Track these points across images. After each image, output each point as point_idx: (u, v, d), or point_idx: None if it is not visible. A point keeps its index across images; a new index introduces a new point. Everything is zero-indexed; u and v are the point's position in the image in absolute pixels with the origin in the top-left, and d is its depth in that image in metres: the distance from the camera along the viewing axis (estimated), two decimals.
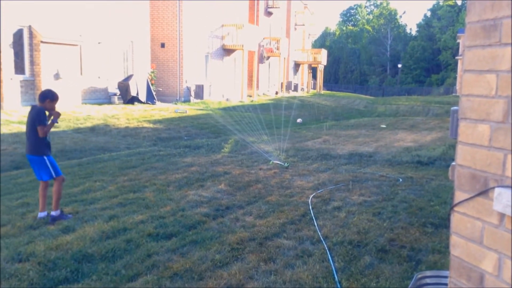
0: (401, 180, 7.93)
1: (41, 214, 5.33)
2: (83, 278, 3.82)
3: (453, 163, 1.92)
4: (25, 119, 13.57)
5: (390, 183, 7.67)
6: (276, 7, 36.21)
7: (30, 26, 15.74)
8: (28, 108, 14.79)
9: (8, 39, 15.10)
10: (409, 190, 7.22)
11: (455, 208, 1.85)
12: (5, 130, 11.85)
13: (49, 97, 5.29)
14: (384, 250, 4.67)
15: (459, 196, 1.83)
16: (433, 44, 69.08)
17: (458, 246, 1.84)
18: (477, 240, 1.74)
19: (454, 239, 1.86)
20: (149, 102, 20.46)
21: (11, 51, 15.29)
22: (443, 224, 5.48)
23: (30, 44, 15.87)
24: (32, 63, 15.98)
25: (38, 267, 3.94)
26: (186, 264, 4.18)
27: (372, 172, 8.63)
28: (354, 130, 16.28)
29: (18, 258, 4.13)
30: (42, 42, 15.82)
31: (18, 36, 15.58)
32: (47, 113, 5.30)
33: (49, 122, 5.28)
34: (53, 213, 5.30)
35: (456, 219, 1.85)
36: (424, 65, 69.31)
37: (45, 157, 5.23)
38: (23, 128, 12.34)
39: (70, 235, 4.77)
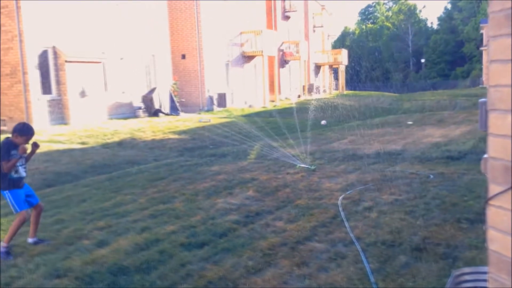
0: (432, 176, 7.78)
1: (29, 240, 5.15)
2: None
3: (485, 156, 1.88)
4: (55, 138, 13.92)
5: (421, 180, 7.54)
6: (293, 11, 36.21)
7: (54, 47, 16.17)
8: (57, 127, 15.07)
9: (33, 61, 15.54)
10: (441, 186, 7.08)
11: (490, 202, 1.80)
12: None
13: (17, 131, 4.96)
14: (419, 249, 4.58)
15: (493, 189, 1.78)
16: (456, 36, 67.79)
17: (495, 241, 1.79)
18: None
19: (491, 234, 1.81)
20: (173, 114, 20.69)
21: (37, 72, 15.73)
22: (479, 219, 5.34)
23: (55, 64, 16.29)
24: (58, 82, 16.39)
25: (75, 282, 4.02)
26: (219, 272, 4.19)
27: (402, 170, 8.50)
28: (380, 128, 16.09)
29: (56, 274, 4.22)
30: (66, 61, 16.22)
31: (43, 57, 16.02)
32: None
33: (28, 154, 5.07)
34: (29, 239, 5.13)
35: (492, 213, 1.80)
36: (448, 58, 68.05)
37: (7, 192, 4.91)
38: (53, 146, 12.65)
39: (105, 248, 4.85)
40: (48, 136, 14.16)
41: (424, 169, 8.47)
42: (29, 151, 5.13)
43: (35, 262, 4.54)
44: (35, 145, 5.18)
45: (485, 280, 3.14)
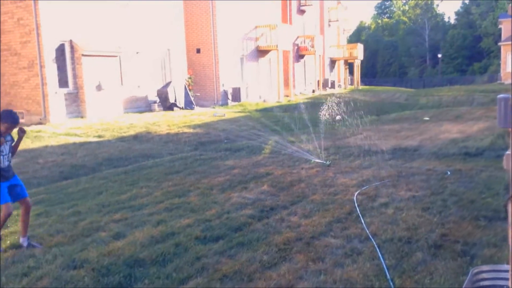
0: (449, 173, 7.68)
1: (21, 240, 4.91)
2: (136, 282, 3.90)
3: (507, 152, 1.84)
4: (71, 131, 14.08)
5: (438, 177, 7.44)
6: (308, 5, 35.97)
7: (71, 41, 16.30)
8: (74, 120, 15.21)
9: (51, 54, 15.69)
10: (458, 183, 6.99)
11: None
12: (53, 142, 12.30)
13: None
14: (436, 246, 4.53)
15: None
16: (474, 31, 66.72)
17: None
18: None
19: None
20: (188, 108, 20.75)
21: (54, 66, 15.88)
22: (497, 216, 5.26)
23: (72, 58, 16.43)
24: (74, 76, 16.54)
25: (92, 273, 4.06)
26: (234, 266, 4.20)
27: (418, 166, 8.41)
28: (396, 124, 15.93)
29: (73, 265, 4.27)
30: (83, 55, 16.35)
31: (60, 51, 16.16)
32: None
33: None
34: (20, 239, 4.90)
35: None
36: (466, 54, 67.01)
37: None
38: (70, 139, 12.79)
39: (121, 241, 4.88)
40: (65, 129, 14.31)
41: (441, 166, 8.36)
42: (16, 138, 4.92)
43: (52, 252, 4.60)
44: (22, 131, 4.87)
45: (503, 279, 3.09)
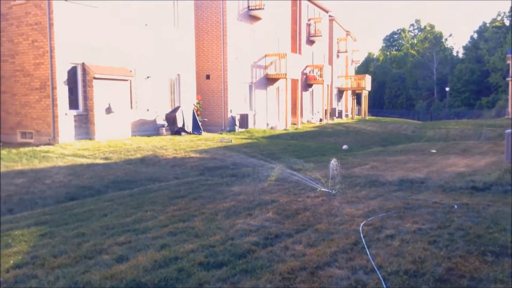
0: (456, 206, 7.62)
1: None
2: None
3: None
4: (79, 152, 14.17)
5: (445, 210, 7.38)
6: (318, 35, 36.50)
7: (83, 64, 16.58)
8: (82, 142, 15.32)
9: (63, 76, 15.95)
10: (465, 217, 6.92)
11: None
12: (61, 163, 12.38)
13: None
14: (442, 280, 4.47)
15: None
16: (482, 66, 67.14)
17: None
18: None
19: None
20: (195, 133, 20.87)
21: (66, 88, 16.12)
22: (505, 252, 5.19)
23: (83, 80, 16.68)
24: (85, 98, 16.76)
25: None
26: None
27: (425, 198, 8.35)
28: (402, 155, 15.90)
29: (75, 287, 4.24)
30: (94, 78, 16.60)
31: (72, 73, 16.44)
32: None
33: None
34: None
35: None
36: (473, 88, 67.27)
37: None
38: (77, 160, 12.86)
39: (124, 264, 4.85)
40: (73, 150, 14.41)
41: (448, 199, 8.30)
42: None
43: (55, 274, 4.58)
44: None
45: None
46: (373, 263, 4.91)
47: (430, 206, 7.71)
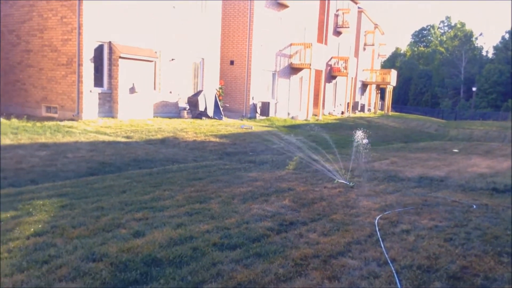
0: (475, 206, 7.52)
1: None
2: (152, 281, 3.94)
3: None
4: (102, 130, 14.39)
5: (463, 209, 7.29)
6: (345, 27, 36.07)
7: (110, 42, 16.74)
8: (105, 119, 15.54)
9: (89, 54, 16.14)
10: (483, 217, 6.83)
11: None
12: (83, 138, 12.59)
13: None
14: (455, 277, 4.44)
15: None
16: (511, 67, 65.48)
17: None
18: None
19: None
20: (216, 117, 20.95)
21: (92, 65, 16.31)
22: None
23: (109, 59, 16.85)
24: (110, 76, 16.94)
25: (110, 267, 4.13)
26: (250, 275, 4.20)
27: (444, 196, 8.26)
28: (424, 153, 15.71)
29: (92, 257, 4.35)
30: (120, 57, 16.75)
31: (98, 51, 16.60)
32: None
33: None
34: None
35: None
36: (501, 89, 65.73)
37: None
38: (99, 137, 13.06)
39: (140, 239, 4.95)
40: (96, 127, 14.64)
41: (467, 199, 8.20)
42: None
43: (73, 243, 4.70)
44: None
45: None
46: (386, 256, 4.91)
47: (448, 204, 7.63)
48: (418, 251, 5.13)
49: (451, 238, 5.66)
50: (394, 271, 4.49)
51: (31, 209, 5.99)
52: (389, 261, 4.76)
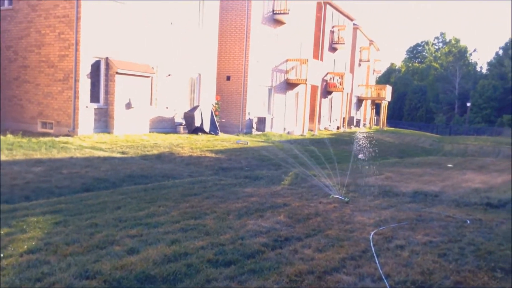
0: (469, 221, 7.55)
1: None
2: None
3: None
4: (97, 145, 14.39)
5: (457, 225, 7.32)
6: (341, 43, 36.42)
7: (107, 58, 16.84)
8: (101, 135, 15.52)
9: (86, 70, 16.22)
10: (477, 232, 6.86)
11: None
12: (79, 154, 12.58)
13: None
14: None
15: None
16: (505, 83, 66.12)
17: None
18: None
19: None
20: (212, 133, 21.00)
21: (88, 81, 16.38)
22: None
23: (106, 75, 16.93)
24: (106, 92, 17.00)
25: (103, 285, 4.11)
26: None
27: (438, 212, 8.29)
28: (418, 168, 15.76)
29: (86, 275, 4.33)
30: (117, 73, 16.84)
31: (95, 67, 16.70)
32: None
33: None
34: None
35: None
36: (495, 105, 66.22)
37: None
38: (95, 153, 13.06)
39: (135, 256, 4.94)
40: (91, 143, 14.64)
41: (461, 214, 8.22)
42: None
43: (67, 261, 4.68)
44: None
45: None
46: (381, 272, 4.91)
47: (442, 219, 7.65)
48: (412, 266, 5.14)
49: (445, 254, 5.67)
50: (388, 287, 4.49)
51: (24, 226, 5.97)
52: (383, 277, 4.77)
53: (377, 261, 5.26)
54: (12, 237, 5.47)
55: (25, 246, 5.14)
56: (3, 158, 10.88)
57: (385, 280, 4.68)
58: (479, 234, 6.72)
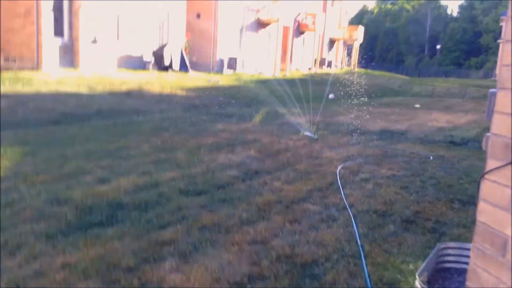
0: (432, 157, 7.86)
1: None
2: (117, 223, 4.01)
3: (488, 134, 1.94)
4: (63, 80, 13.97)
5: (420, 160, 7.62)
6: None
7: None
8: (66, 71, 14.99)
9: (49, 3, 15.39)
10: (439, 167, 7.17)
11: (486, 176, 1.88)
12: (44, 89, 12.22)
13: None
14: (409, 221, 4.70)
15: (491, 164, 1.85)
16: (475, 26, 66.58)
17: (485, 213, 1.87)
18: (505, 207, 1.77)
19: (482, 206, 1.89)
20: (183, 71, 20.64)
21: (51, 15, 15.59)
22: (472, 201, 5.44)
23: (70, 8, 16.15)
24: (71, 27, 16.29)
25: (75, 210, 4.17)
26: (214, 219, 4.33)
27: (403, 148, 8.58)
28: (387, 108, 16.08)
29: (57, 201, 4.36)
30: (81, 7, 16.06)
31: (58, 2, 15.85)
32: None
33: None
34: None
35: (486, 187, 1.88)
36: (464, 48, 67.00)
37: None
38: (61, 88, 12.71)
39: (106, 185, 4.98)
40: (57, 79, 14.19)
41: (425, 151, 8.54)
42: None
43: (37, 189, 4.69)
44: None
45: (468, 256, 3.26)
46: (345, 202, 5.13)
47: (407, 155, 7.94)
48: (375, 197, 5.38)
49: (407, 186, 5.94)
50: (351, 215, 4.71)
51: None
52: (347, 206, 4.99)
53: (342, 192, 5.48)
54: None
55: None
56: None
57: (349, 209, 4.90)
58: (441, 169, 7.03)
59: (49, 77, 14.23)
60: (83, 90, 13.13)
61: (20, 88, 11.77)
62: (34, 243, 3.45)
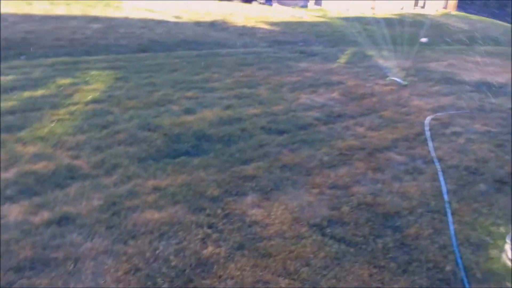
0: None
1: None
2: (202, 154, 4.12)
3: None
4: (150, 7, 14.19)
5: None
6: None
7: None
8: None
9: None
10: None
11: None
12: (133, 15, 12.51)
13: None
14: (502, 182, 4.40)
15: None
16: None
17: None
18: None
19: None
20: (267, 3, 20.17)
21: None
22: None
23: None
24: None
25: (164, 137, 4.32)
26: (295, 159, 4.31)
27: (500, 103, 7.92)
28: (485, 57, 14.80)
29: (147, 127, 4.54)
30: None
31: None
32: None
33: None
34: None
35: None
36: None
37: None
38: (149, 15, 12.94)
39: (191, 116, 5.09)
40: (145, 4, 14.43)
41: None
42: None
43: (129, 114, 4.89)
44: None
45: None
46: (433, 154, 4.88)
47: (504, 111, 7.33)
48: (466, 153, 5.06)
49: (503, 144, 5.52)
50: (439, 169, 4.48)
51: (87, 78, 6.19)
52: (435, 160, 4.74)
53: (430, 145, 5.20)
54: (76, 87, 5.72)
55: (90, 97, 5.37)
56: (61, 12, 10.98)
57: (436, 163, 4.66)
58: None
59: (137, 2, 14.50)
60: (169, 18, 13.26)
61: (111, 12, 12.13)
62: (128, 165, 3.63)
